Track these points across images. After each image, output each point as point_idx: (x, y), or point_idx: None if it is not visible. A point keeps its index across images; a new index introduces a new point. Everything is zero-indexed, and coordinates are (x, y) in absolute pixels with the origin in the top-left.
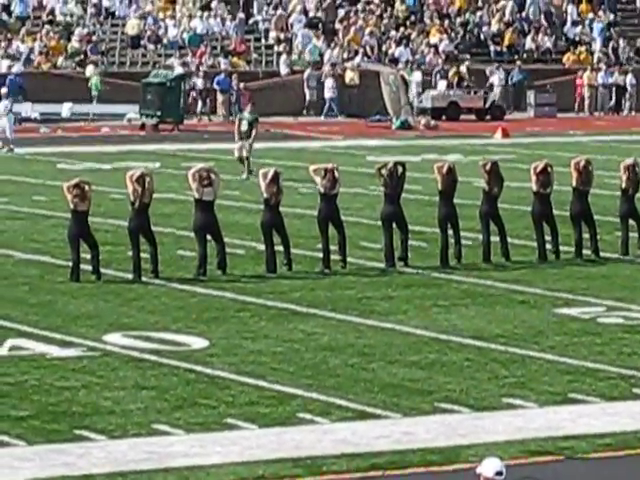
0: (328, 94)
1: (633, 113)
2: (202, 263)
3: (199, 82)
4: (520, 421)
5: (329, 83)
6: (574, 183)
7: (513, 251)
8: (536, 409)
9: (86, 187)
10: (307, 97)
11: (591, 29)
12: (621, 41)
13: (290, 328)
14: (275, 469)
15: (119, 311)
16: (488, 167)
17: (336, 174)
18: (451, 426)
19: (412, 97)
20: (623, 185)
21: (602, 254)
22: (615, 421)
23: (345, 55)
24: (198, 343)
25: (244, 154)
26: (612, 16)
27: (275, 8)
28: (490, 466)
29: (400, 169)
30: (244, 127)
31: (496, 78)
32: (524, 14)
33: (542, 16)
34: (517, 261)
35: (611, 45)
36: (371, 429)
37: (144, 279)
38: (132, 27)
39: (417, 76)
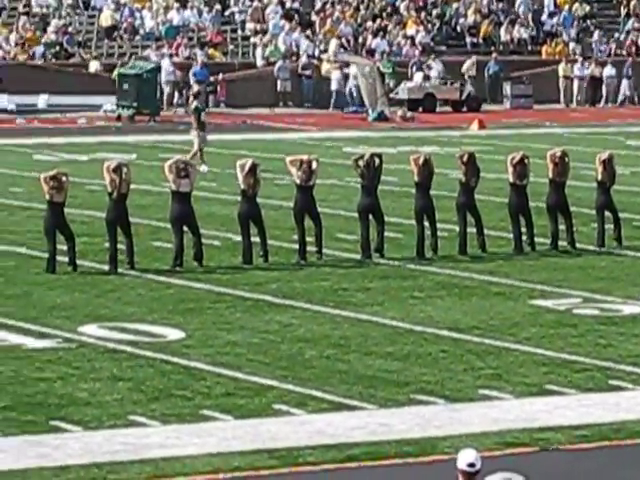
0: (334, 86)
1: (609, 105)
2: (179, 254)
3: (178, 73)
4: (496, 412)
5: (336, 75)
6: (550, 175)
7: (489, 242)
8: (512, 400)
9: (63, 178)
10: (279, 88)
11: (565, 20)
12: (597, 33)
13: (266, 319)
14: (251, 460)
15: (95, 302)
16: (465, 158)
17: (313, 165)
18: (426, 417)
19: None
20: (599, 177)
21: (578, 246)
22: (591, 413)
23: (322, 47)
24: (174, 334)
25: (202, 145)
26: (588, 7)
27: None
28: (463, 457)
29: (377, 160)
30: (203, 117)
31: (434, 70)
32: (500, 5)
33: (522, 8)
34: (493, 253)
35: (593, 37)
36: (347, 420)
37: (120, 270)
38: (106, 18)
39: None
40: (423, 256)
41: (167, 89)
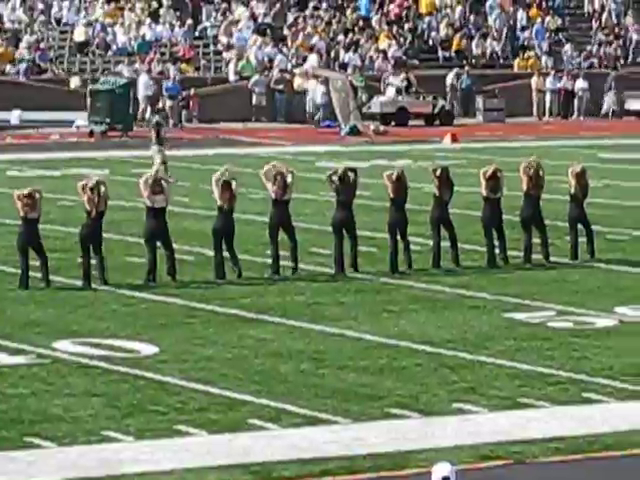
0: (320, 100)
1: (581, 118)
2: (152, 270)
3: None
4: (470, 426)
5: (320, 89)
6: (524, 188)
7: (463, 256)
8: (486, 414)
9: (37, 195)
10: (254, 102)
11: (537, 33)
12: (568, 46)
13: (240, 334)
14: (225, 475)
15: (68, 318)
16: (438, 172)
17: (288, 179)
18: (401, 431)
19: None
20: (572, 190)
21: (552, 259)
22: (565, 425)
23: (294, 61)
24: (148, 350)
25: (164, 159)
26: (560, 21)
27: (223, 14)
28: (438, 471)
29: (352, 175)
30: (163, 133)
31: (390, 87)
32: (472, 19)
33: (497, 22)
34: (467, 266)
35: (566, 50)
36: (321, 434)
37: (93, 286)
38: (79, 34)
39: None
40: (397, 270)
41: (143, 104)
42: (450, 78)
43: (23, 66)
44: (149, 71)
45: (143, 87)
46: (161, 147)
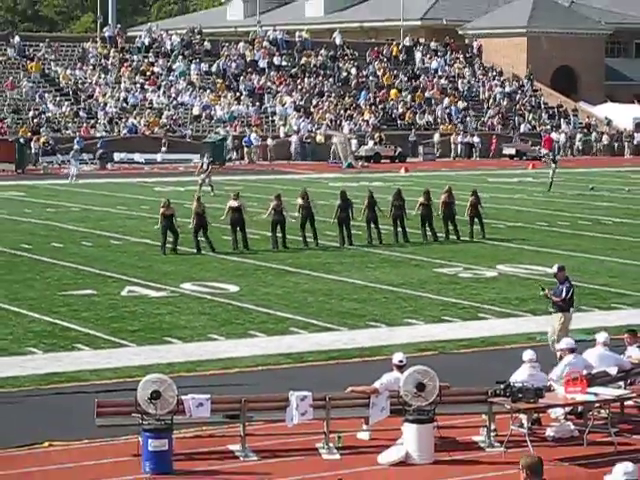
0: (294, 146)
1: (478, 159)
2: (234, 242)
3: (232, 141)
4: (414, 332)
5: (294, 139)
6: (442, 198)
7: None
8: (423, 325)
9: (170, 203)
10: (292, 149)
11: (453, 110)
12: (469, 118)
13: (285, 280)
14: (277, 359)
15: (190, 270)
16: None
17: (309, 196)
18: (375, 335)
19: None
20: (470, 199)
21: (461, 238)
22: (468, 332)
23: (316, 126)
24: (233, 288)
25: (206, 182)
26: (465, 103)
27: (275, 99)
28: (396, 357)
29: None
30: (205, 167)
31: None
32: (417, 101)
33: (439, 111)
34: (413, 242)
35: (469, 120)
36: (330, 336)
37: (203, 252)
38: (195, 110)
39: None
40: (371, 243)
41: (253, 150)
42: (411, 137)
43: (188, 132)
44: (255, 132)
45: (254, 141)
46: (204, 175)
